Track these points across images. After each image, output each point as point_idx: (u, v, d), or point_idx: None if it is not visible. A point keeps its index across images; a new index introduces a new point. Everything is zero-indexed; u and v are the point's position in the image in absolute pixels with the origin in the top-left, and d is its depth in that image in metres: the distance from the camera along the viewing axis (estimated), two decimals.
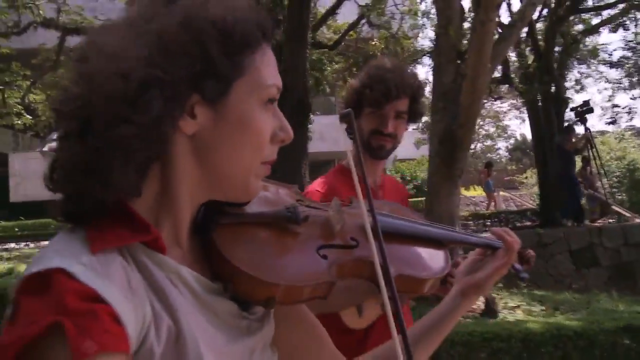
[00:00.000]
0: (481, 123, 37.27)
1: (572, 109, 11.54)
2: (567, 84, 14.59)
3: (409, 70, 1.96)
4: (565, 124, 11.82)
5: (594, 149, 11.12)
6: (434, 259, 1.08)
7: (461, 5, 6.28)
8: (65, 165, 0.70)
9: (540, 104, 11.67)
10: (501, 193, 18.68)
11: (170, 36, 0.71)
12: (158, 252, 0.73)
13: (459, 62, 6.45)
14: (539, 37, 11.84)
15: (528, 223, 12.52)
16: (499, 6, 5.40)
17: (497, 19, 7.11)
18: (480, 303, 6.34)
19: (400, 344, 0.79)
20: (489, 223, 12.34)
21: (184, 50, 0.72)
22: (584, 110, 10.93)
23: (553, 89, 11.60)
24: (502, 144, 45.63)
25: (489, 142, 44.23)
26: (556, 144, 10.87)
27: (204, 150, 0.78)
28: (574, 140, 10.86)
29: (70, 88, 0.70)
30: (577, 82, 15.50)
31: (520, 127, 68.38)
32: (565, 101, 12.22)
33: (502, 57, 7.50)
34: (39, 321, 0.58)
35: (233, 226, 0.84)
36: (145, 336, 0.67)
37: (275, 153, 0.85)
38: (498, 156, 44.29)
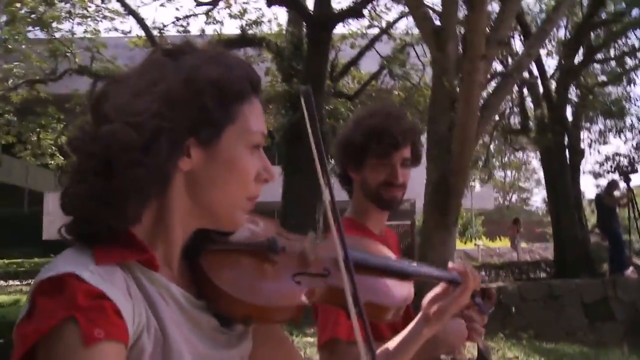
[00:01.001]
0: (516, 174, 36.91)
1: (616, 168, 11.44)
2: (590, 136, 14.49)
3: (403, 114, 1.93)
4: (610, 180, 11.67)
5: (636, 208, 10.57)
6: (397, 289, 1.17)
7: (458, 55, 6.47)
8: (84, 196, 0.81)
9: (553, 154, 11.64)
10: (523, 245, 18.35)
11: (176, 93, 0.85)
12: (152, 270, 0.85)
13: (452, 112, 6.62)
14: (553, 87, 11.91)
15: (543, 275, 12.31)
16: (484, 57, 5.52)
17: (491, 69, 7.23)
18: (473, 352, 6.27)
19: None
20: (502, 273, 12.19)
21: (186, 104, 0.85)
22: (629, 169, 10.83)
23: (567, 140, 11.58)
24: (539, 196, 45.12)
25: (525, 195, 43.73)
26: (596, 198, 10.81)
27: (196, 185, 0.90)
28: (616, 196, 10.71)
29: (88, 131, 0.84)
30: (602, 133, 15.24)
31: None
32: (578, 152, 12.13)
33: (497, 106, 7.63)
34: (55, 316, 0.71)
35: (218, 252, 0.96)
36: (139, 334, 0.78)
37: (259, 190, 0.96)
38: (535, 208, 43.67)
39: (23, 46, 13.57)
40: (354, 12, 11.88)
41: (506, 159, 18.04)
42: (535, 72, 12.13)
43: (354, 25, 13.82)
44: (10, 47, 12.76)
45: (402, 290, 1.18)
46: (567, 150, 12.02)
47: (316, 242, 1.07)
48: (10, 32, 12.73)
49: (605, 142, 14.75)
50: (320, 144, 0.96)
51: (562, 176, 11.60)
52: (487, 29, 5.76)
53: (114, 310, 0.75)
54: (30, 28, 13.45)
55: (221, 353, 0.92)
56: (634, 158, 13.95)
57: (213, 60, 0.90)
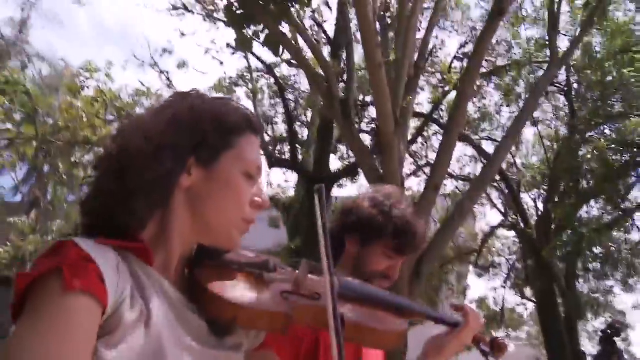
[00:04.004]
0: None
1: (602, 331, 11.28)
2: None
3: (422, 222, 1.88)
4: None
5: None
6: (391, 322, 1.21)
7: None
8: (101, 192, 0.95)
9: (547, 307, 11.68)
10: None
11: (181, 117, 1.00)
12: (147, 265, 0.93)
13: None
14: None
15: None
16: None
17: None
18: None
19: None
20: None
21: (188, 127, 0.99)
22: (611, 333, 10.65)
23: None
24: None
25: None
26: None
27: (195, 201, 1.00)
28: None
29: (112, 142, 0.99)
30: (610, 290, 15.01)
31: None
32: (574, 305, 12.00)
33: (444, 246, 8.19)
34: (46, 266, 0.81)
35: (214, 266, 1.04)
36: (119, 306, 0.84)
37: (254, 215, 1.06)
38: None
39: (65, 205, 15.38)
40: (349, 171, 13.17)
41: None
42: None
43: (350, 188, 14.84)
44: (51, 208, 14.55)
45: (394, 320, 1.22)
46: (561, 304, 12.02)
47: (307, 272, 1.11)
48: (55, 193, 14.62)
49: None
50: (328, 238, 1.01)
51: (556, 332, 11.54)
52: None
53: (97, 274, 0.83)
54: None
55: (209, 351, 0.95)
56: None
57: (217, 99, 1.08)
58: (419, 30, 8.86)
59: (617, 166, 10.13)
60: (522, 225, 12.39)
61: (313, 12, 13.47)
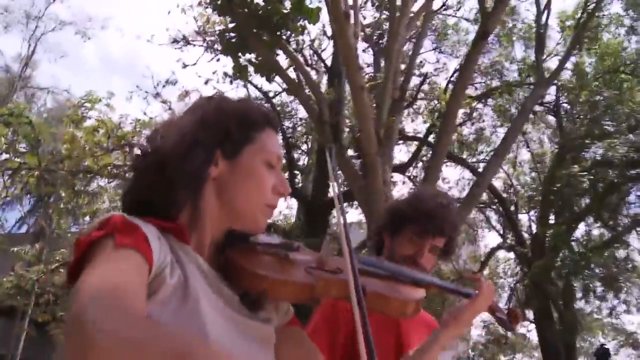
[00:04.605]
0: None
1: (594, 353, 11.18)
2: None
3: (455, 209, 2.00)
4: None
5: None
6: (408, 291, 1.30)
7: None
8: (143, 185, 1.08)
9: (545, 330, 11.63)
10: None
11: (208, 117, 1.12)
12: (184, 243, 1.02)
13: None
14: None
15: None
16: None
17: None
18: None
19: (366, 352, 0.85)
20: None
21: (215, 125, 1.12)
22: (602, 354, 10.63)
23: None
24: None
25: None
26: None
27: (223, 190, 1.11)
28: None
29: (148, 142, 1.12)
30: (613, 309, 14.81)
31: None
32: (570, 327, 11.95)
33: None
34: (101, 231, 0.92)
35: (244, 247, 1.12)
36: (162, 269, 0.94)
37: (277, 201, 1.17)
38: None
39: (68, 234, 15.53)
40: (348, 196, 13.24)
41: None
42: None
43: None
44: (56, 235, 14.72)
45: (411, 290, 1.31)
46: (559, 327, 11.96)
47: (331, 251, 1.21)
48: (58, 223, 14.81)
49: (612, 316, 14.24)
50: (339, 183, 1.16)
51: (554, 351, 11.43)
52: None
53: (144, 237, 0.93)
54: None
55: (242, 318, 1.04)
56: None
57: (239, 100, 1.22)
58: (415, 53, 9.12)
59: (606, 184, 10.20)
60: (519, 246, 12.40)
61: (312, 41, 13.82)
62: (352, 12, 6.69)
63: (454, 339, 1.56)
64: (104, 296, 0.79)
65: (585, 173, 10.18)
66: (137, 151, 1.15)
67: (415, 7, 8.55)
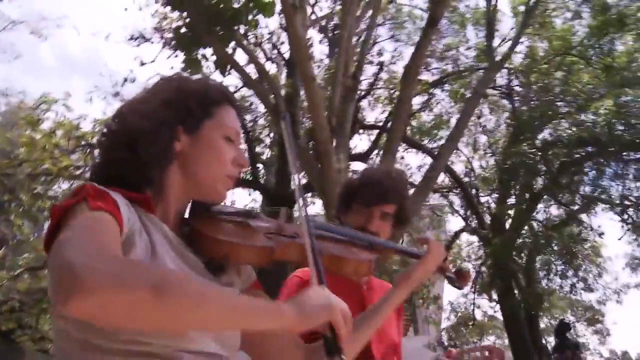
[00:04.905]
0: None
1: (555, 328, 11.50)
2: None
3: (402, 178, 2.07)
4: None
5: None
6: (360, 252, 1.37)
7: None
8: (114, 163, 1.14)
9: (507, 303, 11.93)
10: None
11: (170, 97, 1.19)
12: (150, 213, 1.09)
13: None
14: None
15: None
16: None
17: None
18: None
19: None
20: None
21: (177, 104, 1.18)
22: (563, 328, 10.95)
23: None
24: None
25: None
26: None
27: (185, 163, 1.18)
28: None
29: (113, 122, 1.18)
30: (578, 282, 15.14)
31: None
32: (534, 299, 12.27)
33: None
34: (74, 199, 0.98)
35: (207, 216, 1.21)
36: (132, 234, 1.00)
37: (237, 173, 1.23)
38: None
39: (31, 238, 15.28)
40: (310, 188, 13.34)
41: None
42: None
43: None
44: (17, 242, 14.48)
45: (363, 252, 1.38)
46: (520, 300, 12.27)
47: (286, 217, 1.31)
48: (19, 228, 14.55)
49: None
50: (295, 152, 1.23)
51: (517, 327, 11.73)
52: None
53: (114, 202, 1.00)
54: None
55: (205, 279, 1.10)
56: None
57: (198, 79, 1.29)
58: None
59: (559, 164, 10.50)
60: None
61: (270, 34, 13.83)
62: (299, 2, 6.73)
63: (404, 299, 1.55)
64: (86, 240, 0.87)
65: (539, 153, 10.45)
66: (104, 129, 1.20)
67: None
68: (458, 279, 1.58)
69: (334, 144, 6.80)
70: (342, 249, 1.35)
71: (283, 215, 1.30)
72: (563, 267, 13.89)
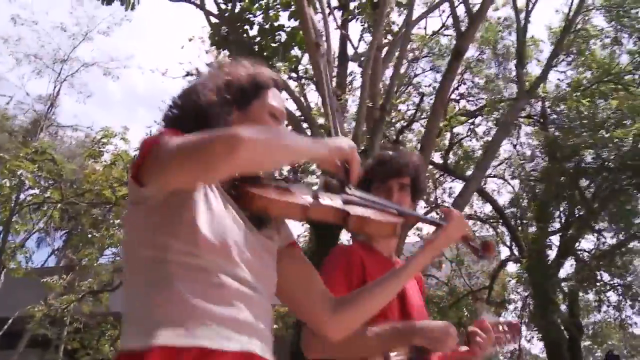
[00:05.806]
0: None
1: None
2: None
3: (413, 154, 2.26)
4: None
5: None
6: (389, 216, 1.48)
7: None
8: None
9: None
10: None
11: (227, 81, 1.42)
12: None
13: None
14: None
15: None
16: None
17: None
18: None
19: None
20: None
21: (234, 86, 1.42)
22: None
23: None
24: None
25: None
26: None
27: None
28: None
29: (179, 99, 1.41)
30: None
31: None
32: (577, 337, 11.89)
33: None
34: (158, 138, 1.20)
35: (252, 180, 1.35)
36: None
37: None
38: None
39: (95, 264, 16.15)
40: None
41: None
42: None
43: None
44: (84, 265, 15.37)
45: (389, 216, 1.48)
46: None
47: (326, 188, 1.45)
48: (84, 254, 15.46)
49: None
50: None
51: (560, 355, 11.44)
52: None
53: None
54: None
55: (251, 233, 1.33)
56: None
57: (252, 65, 1.50)
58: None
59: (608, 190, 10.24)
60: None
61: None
62: (324, 40, 7.11)
63: (427, 263, 1.68)
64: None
65: (588, 181, 10.27)
66: (177, 96, 1.43)
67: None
68: (482, 249, 1.60)
69: None
70: (374, 213, 1.45)
71: (321, 182, 1.48)
72: (618, 299, 13.39)
